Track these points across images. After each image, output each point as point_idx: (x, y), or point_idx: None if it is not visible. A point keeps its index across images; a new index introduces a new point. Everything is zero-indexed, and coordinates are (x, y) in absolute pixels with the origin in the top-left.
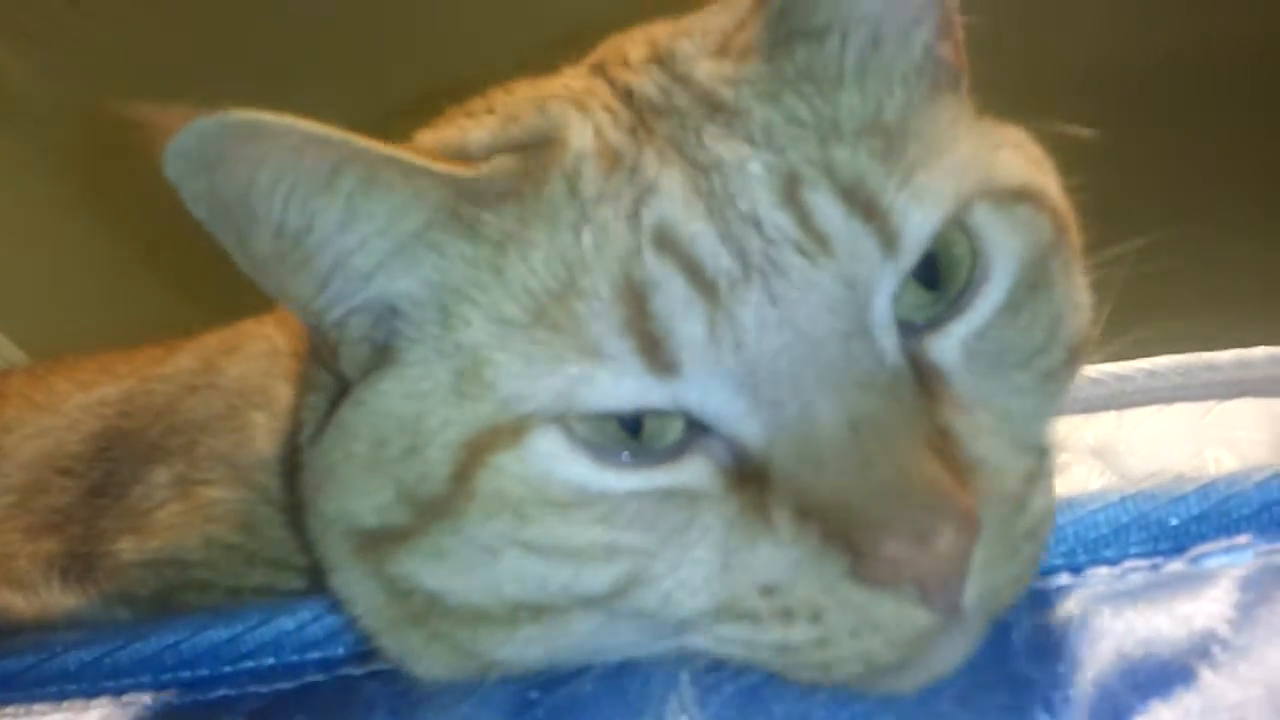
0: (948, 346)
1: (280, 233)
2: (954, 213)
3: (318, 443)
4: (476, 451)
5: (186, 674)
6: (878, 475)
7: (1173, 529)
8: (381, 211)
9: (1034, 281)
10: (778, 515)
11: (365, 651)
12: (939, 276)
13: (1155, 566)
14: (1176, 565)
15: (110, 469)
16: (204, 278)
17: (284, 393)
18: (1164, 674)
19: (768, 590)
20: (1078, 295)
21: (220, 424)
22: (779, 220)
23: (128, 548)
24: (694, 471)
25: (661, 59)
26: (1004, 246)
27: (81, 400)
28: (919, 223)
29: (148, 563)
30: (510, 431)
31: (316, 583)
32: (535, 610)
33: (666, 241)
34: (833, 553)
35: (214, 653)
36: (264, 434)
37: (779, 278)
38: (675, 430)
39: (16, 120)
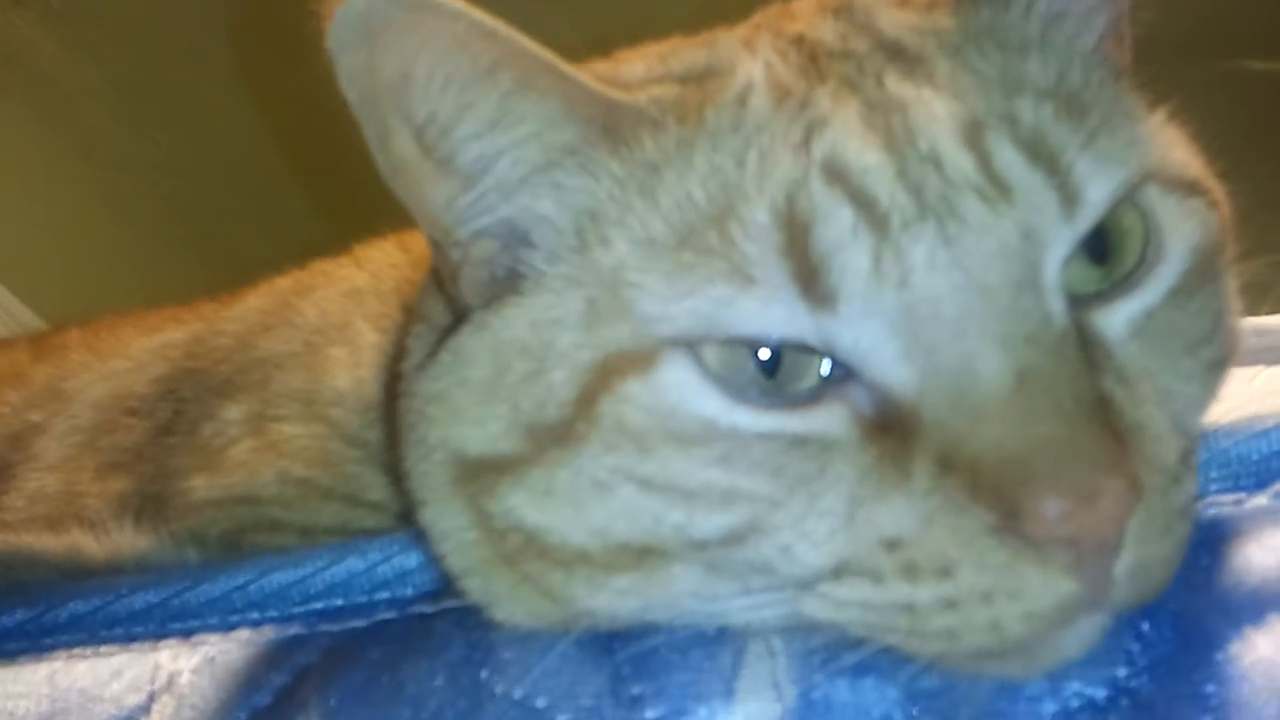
0: (1114, 323)
1: (429, 124)
2: (1133, 183)
3: (427, 369)
4: (604, 376)
5: (255, 615)
6: (1042, 430)
7: (1254, 464)
8: (535, 116)
9: (1205, 271)
10: (918, 466)
11: (436, 591)
12: (1108, 253)
13: (1239, 502)
14: (1261, 500)
15: (179, 408)
16: (222, 257)
17: (365, 330)
18: (1257, 601)
19: (892, 544)
20: (1234, 300)
21: (295, 360)
22: (961, 162)
23: (199, 485)
24: (831, 418)
25: (837, 10)
26: (1179, 231)
27: (147, 344)
28: (1099, 185)
29: (220, 500)
30: (642, 357)
31: (390, 521)
32: (638, 554)
33: (837, 172)
34: (977, 507)
35: (282, 594)
36: (342, 369)
37: (955, 220)
38: (814, 374)
39: (46, 97)
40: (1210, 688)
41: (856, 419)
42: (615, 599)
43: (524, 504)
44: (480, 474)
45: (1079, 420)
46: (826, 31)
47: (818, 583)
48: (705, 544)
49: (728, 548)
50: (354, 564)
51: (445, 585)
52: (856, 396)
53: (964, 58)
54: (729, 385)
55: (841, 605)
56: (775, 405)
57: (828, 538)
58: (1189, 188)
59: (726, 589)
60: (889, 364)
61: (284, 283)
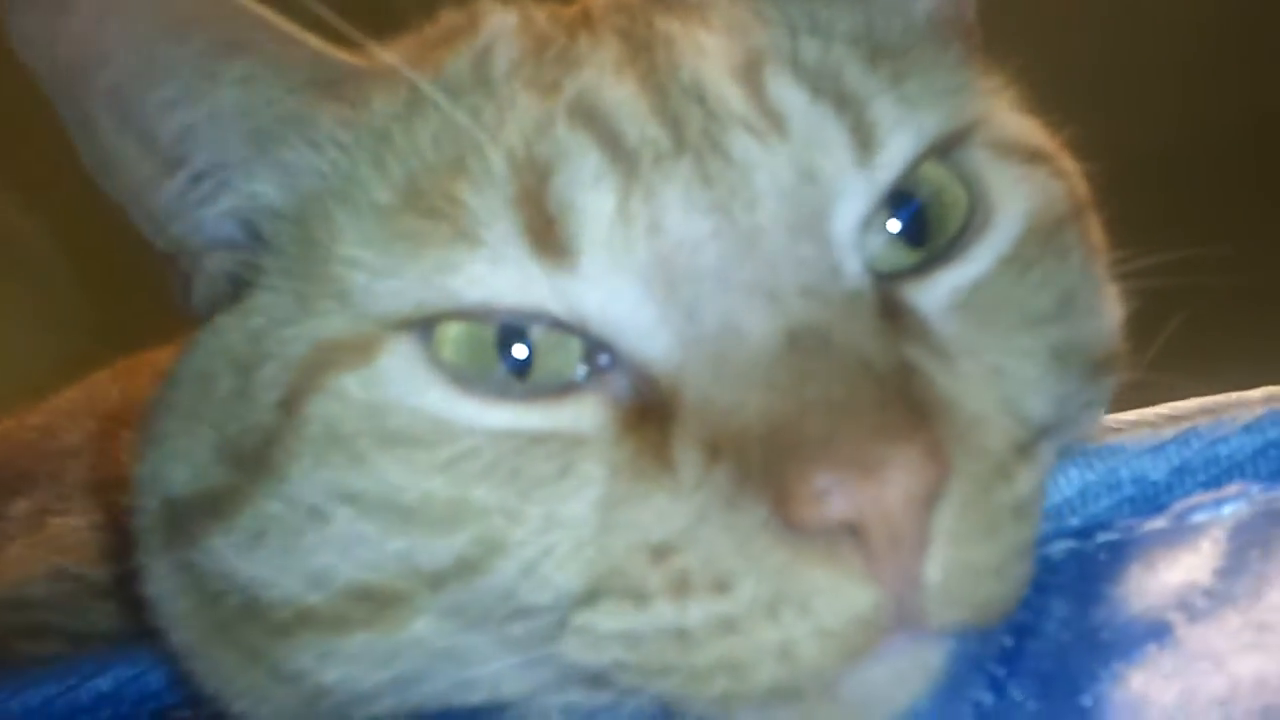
0: (933, 295)
1: (121, 93)
2: (948, 135)
3: (149, 407)
4: (312, 371)
5: None
6: (814, 391)
7: (1153, 485)
8: (243, 81)
9: (1047, 242)
10: (681, 453)
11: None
12: (928, 233)
13: (1131, 528)
14: (1159, 523)
15: None
16: None
17: None
18: (1134, 633)
19: (659, 552)
20: (1100, 288)
21: (90, 448)
22: (727, 95)
23: None
24: (581, 410)
25: None
26: (1010, 196)
27: None
28: (903, 132)
29: None
30: (359, 345)
31: None
32: (367, 602)
33: (586, 111)
34: (749, 496)
35: (43, 710)
36: (131, 450)
37: (718, 156)
38: (571, 364)
39: (24, 273)
40: None
41: (613, 408)
42: (353, 668)
43: (235, 553)
44: (189, 520)
45: (862, 382)
46: None
47: (573, 613)
48: (440, 578)
49: (466, 580)
50: (121, 672)
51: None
52: (615, 383)
53: (747, 3)
54: (463, 377)
55: (603, 641)
56: (513, 397)
57: (574, 551)
58: (1028, 155)
59: (483, 644)
60: (644, 330)
61: (105, 371)
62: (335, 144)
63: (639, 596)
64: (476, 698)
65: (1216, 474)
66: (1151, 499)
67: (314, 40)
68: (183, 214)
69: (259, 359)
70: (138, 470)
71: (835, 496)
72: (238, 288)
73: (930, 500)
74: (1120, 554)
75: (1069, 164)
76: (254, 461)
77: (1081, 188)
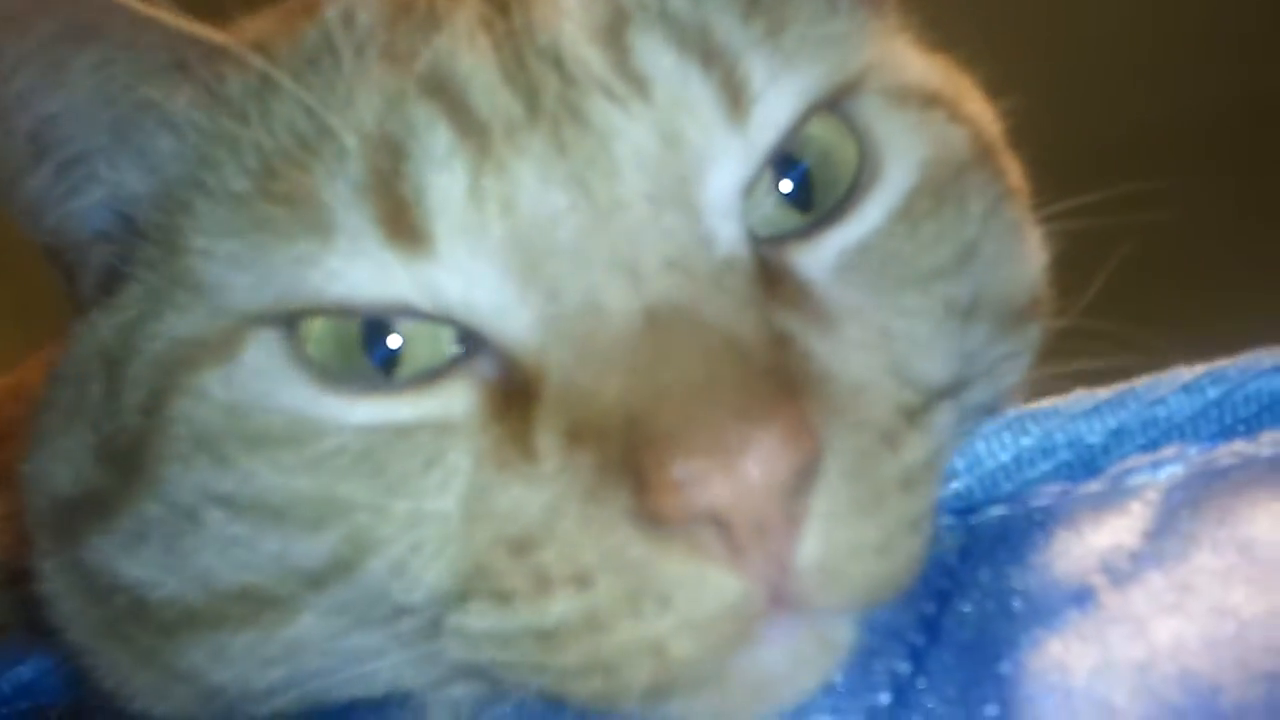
0: (818, 259)
1: None
2: (834, 88)
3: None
4: (174, 370)
5: None
6: (672, 374)
7: (1087, 448)
8: (95, 68)
9: (941, 194)
10: (542, 440)
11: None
12: (818, 194)
13: (1065, 493)
14: (1093, 486)
15: None
16: None
17: None
18: (1056, 598)
19: (518, 547)
20: (1013, 234)
21: (13, 433)
22: (587, 57)
23: None
24: (450, 399)
25: None
26: (902, 146)
27: None
28: (780, 87)
29: None
30: (221, 342)
31: None
32: (248, 602)
33: (438, 83)
34: (609, 486)
35: None
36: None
37: (575, 125)
38: (442, 352)
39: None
40: (991, 710)
41: (482, 395)
42: (245, 667)
43: (119, 553)
44: (74, 520)
45: (726, 360)
46: None
47: (447, 613)
48: (317, 578)
49: (343, 580)
50: (42, 661)
51: None
52: (483, 368)
53: None
54: (329, 373)
55: (477, 641)
56: (381, 390)
57: (440, 548)
58: (925, 99)
59: (376, 641)
60: (507, 313)
61: (44, 355)
62: (194, 128)
63: (502, 594)
64: (379, 690)
65: (1155, 436)
66: (1088, 462)
67: (169, 17)
68: (54, 206)
69: (126, 356)
70: (26, 469)
71: (694, 486)
72: (114, 281)
73: (800, 480)
74: (1051, 519)
75: (976, 105)
76: (128, 463)
77: (990, 130)
